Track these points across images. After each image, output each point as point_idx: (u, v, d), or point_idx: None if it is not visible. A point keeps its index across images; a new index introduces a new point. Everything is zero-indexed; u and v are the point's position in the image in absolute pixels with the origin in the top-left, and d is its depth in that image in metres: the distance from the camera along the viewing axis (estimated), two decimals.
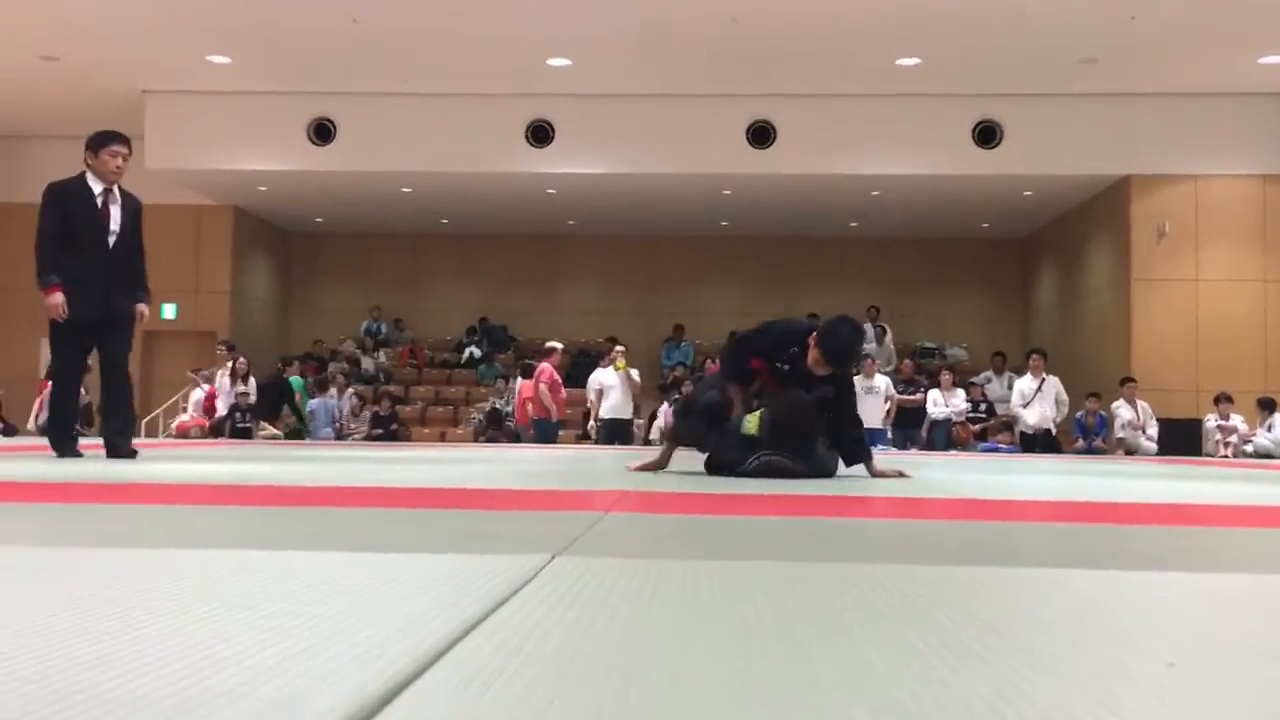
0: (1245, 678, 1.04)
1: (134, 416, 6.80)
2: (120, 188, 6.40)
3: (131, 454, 6.21)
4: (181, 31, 13.55)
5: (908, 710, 0.87)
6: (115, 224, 6.29)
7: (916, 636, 1.18)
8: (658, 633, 1.18)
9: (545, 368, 13.83)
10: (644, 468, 5.39)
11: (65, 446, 6.25)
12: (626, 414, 13.76)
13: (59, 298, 6.08)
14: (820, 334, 5.01)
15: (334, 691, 0.89)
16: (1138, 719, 0.87)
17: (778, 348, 5.13)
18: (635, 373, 13.92)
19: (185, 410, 15.90)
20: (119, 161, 6.31)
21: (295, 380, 15.69)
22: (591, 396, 14.08)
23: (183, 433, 15.18)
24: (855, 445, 5.17)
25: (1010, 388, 15.42)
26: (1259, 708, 0.92)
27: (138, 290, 6.42)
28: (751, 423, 4.88)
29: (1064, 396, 14.00)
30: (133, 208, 6.43)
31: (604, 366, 14.16)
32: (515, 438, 14.83)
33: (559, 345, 14.27)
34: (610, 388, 13.65)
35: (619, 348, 14.03)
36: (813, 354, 5.01)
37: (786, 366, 5.08)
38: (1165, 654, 1.13)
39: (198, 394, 15.61)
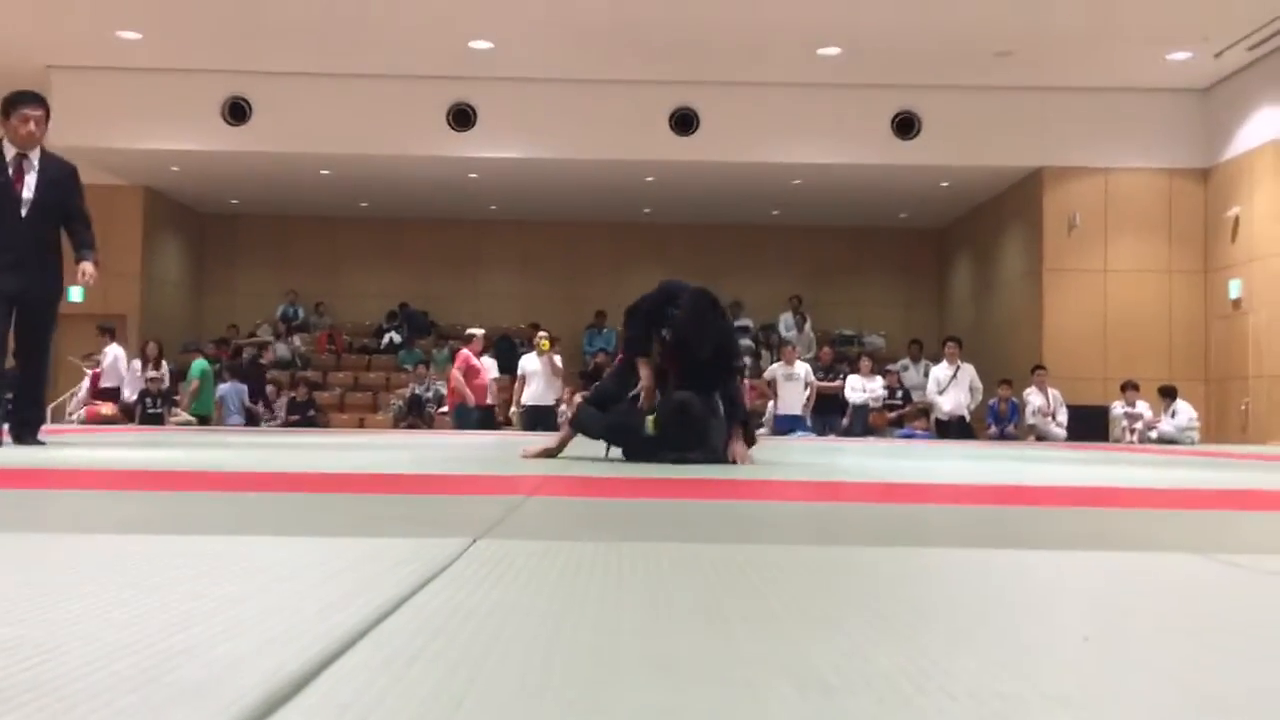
0: (1157, 650, 1.06)
1: (44, 405, 6.26)
2: (44, 152, 5.91)
3: (37, 444, 5.77)
4: (89, 5, 13.13)
5: (832, 684, 0.88)
6: (30, 192, 5.76)
7: (839, 614, 1.19)
8: (581, 612, 1.17)
9: (462, 354, 13.71)
10: (539, 453, 5.33)
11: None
12: (549, 400, 13.68)
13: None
14: (684, 310, 5.03)
15: (247, 675, 0.86)
16: (1056, 690, 0.88)
17: (668, 303, 5.13)
18: (558, 358, 13.86)
19: (75, 397, 15.39)
20: (31, 126, 5.78)
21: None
22: (516, 383, 13.98)
23: (92, 419, 14.75)
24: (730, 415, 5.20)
25: (926, 375, 15.67)
26: (1172, 677, 0.94)
27: (79, 249, 5.92)
28: (651, 424, 4.89)
29: (978, 384, 14.29)
30: (56, 175, 5.90)
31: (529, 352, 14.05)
32: (431, 424, 14.70)
33: (479, 331, 14.13)
34: (533, 374, 13.56)
35: (542, 333, 13.93)
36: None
37: (666, 332, 5.08)
38: (1080, 629, 1.16)
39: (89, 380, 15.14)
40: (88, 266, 5.91)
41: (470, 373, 13.46)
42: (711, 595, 1.30)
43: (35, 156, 5.87)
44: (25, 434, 5.82)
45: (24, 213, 5.78)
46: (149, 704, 0.78)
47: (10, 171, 5.80)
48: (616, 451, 5.14)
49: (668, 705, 0.81)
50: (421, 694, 0.82)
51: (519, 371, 13.76)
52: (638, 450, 4.98)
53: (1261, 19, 12.93)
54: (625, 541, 1.89)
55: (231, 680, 0.84)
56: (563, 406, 13.79)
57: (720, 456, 4.96)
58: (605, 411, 5.18)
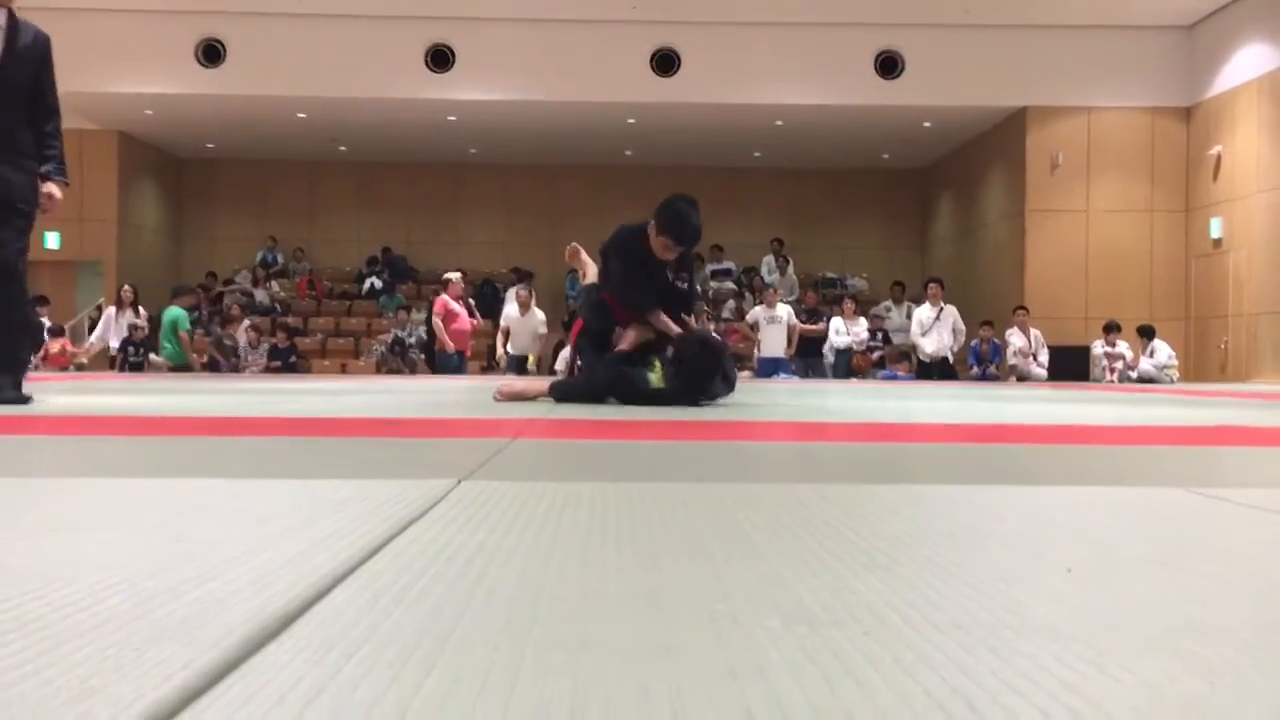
0: (1138, 580, 1.07)
1: (21, 346, 4.80)
2: (12, 14, 4.69)
3: (23, 399, 4.54)
4: None
5: (819, 618, 0.88)
6: None
7: (825, 550, 1.19)
8: (566, 551, 1.17)
9: (440, 299, 13.64)
10: (514, 395, 5.28)
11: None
12: (534, 350, 13.69)
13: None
14: (663, 219, 5.10)
15: (233, 612, 0.86)
16: (1040, 619, 0.89)
17: (637, 247, 5.16)
18: (540, 315, 13.77)
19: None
20: None
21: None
22: (500, 334, 13.95)
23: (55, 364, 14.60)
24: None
25: (909, 317, 15.70)
26: (1153, 605, 0.94)
27: (44, 161, 4.69)
28: (655, 376, 4.87)
29: (960, 325, 14.33)
30: (28, 43, 4.71)
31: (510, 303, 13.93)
32: (414, 369, 14.67)
33: (454, 276, 14.01)
34: (515, 324, 13.53)
35: (520, 291, 13.77)
36: (658, 240, 5.12)
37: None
38: (1062, 561, 1.16)
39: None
40: (53, 188, 4.67)
41: (449, 317, 13.41)
42: (696, 533, 1.31)
43: (2, 16, 4.67)
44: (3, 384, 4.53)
45: None
46: (133, 641, 0.77)
47: None
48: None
49: (654, 640, 0.81)
50: (408, 631, 0.82)
51: (501, 323, 13.70)
52: (639, 398, 4.97)
53: None
54: (610, 482, 1.89)
55: (216, 618, 0.84)
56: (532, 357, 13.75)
57: (718, 397, 5.00)
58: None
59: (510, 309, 13.69)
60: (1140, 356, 13.95)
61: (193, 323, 15.43)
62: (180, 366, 14.50)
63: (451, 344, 13.36)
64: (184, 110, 16.27)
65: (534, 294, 13.95)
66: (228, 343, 15.15)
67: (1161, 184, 15.72)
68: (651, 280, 5.17)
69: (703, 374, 4.77)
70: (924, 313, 14.44)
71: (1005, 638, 0.83)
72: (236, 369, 14.99)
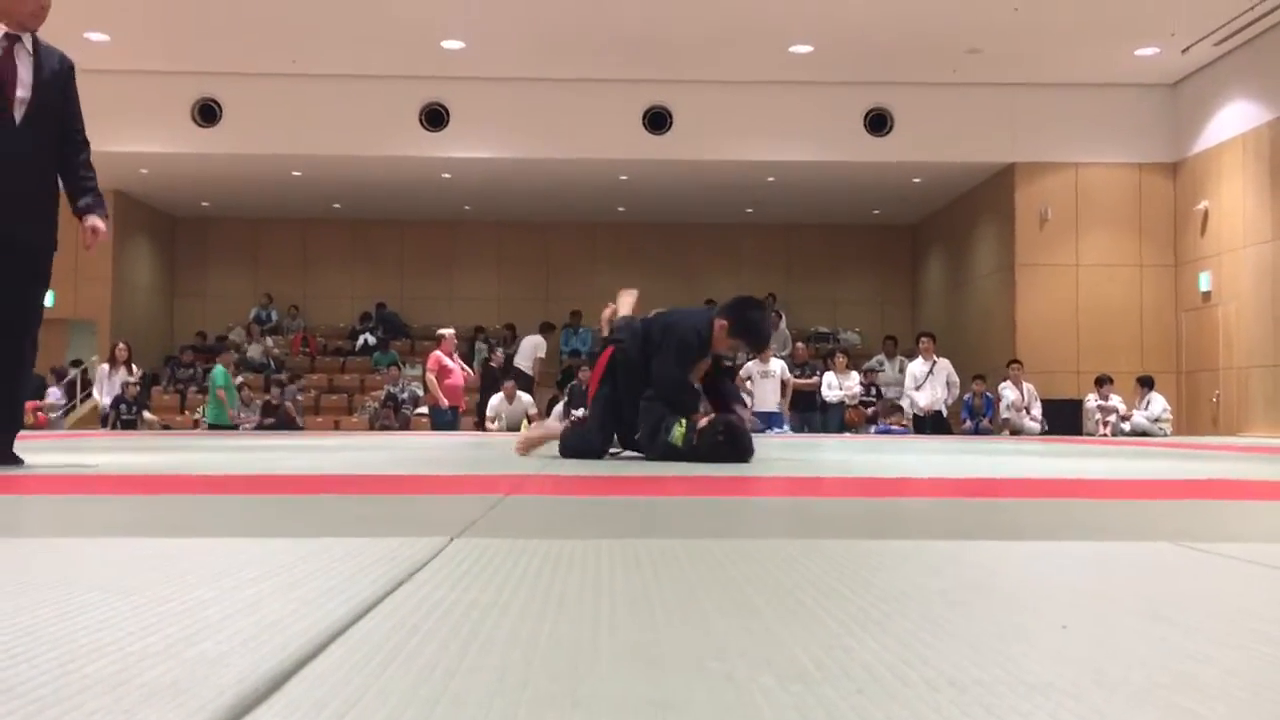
0: (1136, 636, 1.06)
1: (20, 404, 4.42)
2: (36, 39, 4.30)
3: (14, 460, 4.24)
4: (57, 6, 12.93)
5: (812, 676, 0.88)
6: (26, 90, 4.16)
7: (819, 607, 1.19)
8: (560, 608, 1.16)
9: (433, 355, 13.68)
10: (533, 444, 5.40)
11: None
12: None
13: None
14: (741, 326, 5.16)
15: (222, 675, 0.85)
16: (1037, 677, 0.88)
17: (699, 346, 5.18)
18: (528, 399, 14.17)
19: None
20: None
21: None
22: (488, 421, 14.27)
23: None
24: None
25: (902, 371, 15.74)
26: (1150, 663, 0.94)
27: (82, 194, 4.31)
28: (678, 434, 4.87)
29: (955, 378, 14.36)
30: (57, 68, 4.32)
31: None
32: (406, 425, 14.66)
33: (448, 331, 14.07)
34: (505, 413, 13.92)
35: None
36: (729, 341, 5.20)
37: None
38: (1059, 617, 1.16)
39: None
40: (97, 222, 4.28)
41: (442, 373, 13.42)
42: (690, 589, 1.30)
43: (28, 40, 4.25)
44: (5, 442, 4.26)
45: (17, 118, 4.14)
46: (122, 705, 0.77)
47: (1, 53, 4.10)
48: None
49: (649, 698, 0.81)
50: (399, 692, 0.81)
51: (488, 413, 14.06)
52: (651, 450, 5.01)
53: (1226, 15, 13.06)
54: (603, 538, 1.88)
55: (206, 681, 0.83)
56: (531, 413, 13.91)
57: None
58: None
59: (495, 400, 13.90)
60: (1134, 409, 13.97)
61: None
62: (219, 425, 14.31)
63: (444, 399, 13.36)
64: (180, 169, 16.38)
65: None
66: (404, 405, 15.15)
67: (1150, 239, 15.85)
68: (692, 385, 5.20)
69: (720, 457, 4.77)
70: (917, 367, 14.47)
71: (1001, 695, 0.82)
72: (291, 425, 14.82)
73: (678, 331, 5.16)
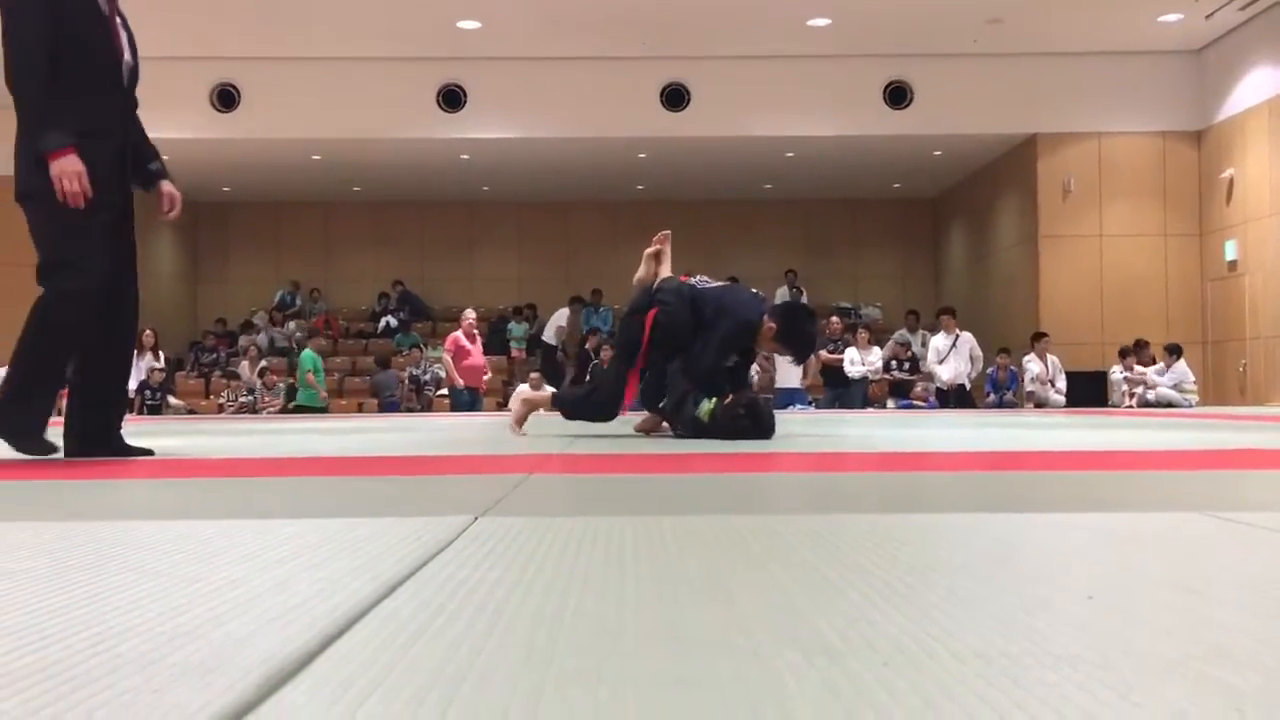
0: (1161, 606, 1.06)
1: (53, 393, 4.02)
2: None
3: (145, 450, 3.92)
4: None
5: (837, 649, 0.87)
6: (127, 51, 3.92)
7: (843, 581, 1.19)
8: (585, 585, 1.17)
9: (451, 336, 13.72)
10: (522, 418, 5.44)
11: (34, 438, 3.71)
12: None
13: (75, 164, 3.54)
14: (791, 335, 5.14)
15: (250, 654, 0.86)
16: (1063, 648, 0.88)
17: (744, 341, 5.16)
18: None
19: None
20: None
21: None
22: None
23: None
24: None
25: (924, 345, 15.67)
26: (1179, 634, 0.93)
27: (151, 159, 4.11)
28: (705, 410, 4.85)
29: (978, 352, 14.29)
30: (129, 30, 4.04)
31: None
32: (429, 407, 14.72)
33: (468, 312, 14.07)
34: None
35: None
36: (774, 344, 5.21)
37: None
38: (1083, 589, 1.15)
39: None
40: (173, 190, 4.16)
41: (459, 354, 13.47)
42: (714, 565, 1.30)
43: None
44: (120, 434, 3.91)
45: (125, 80, 3.90)
46: (152, 685, 0.77)
47: (106, 11, 3.82)
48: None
49: (674, 674, 0.81)
50: (425, 669, 0.82)
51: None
52: (678, 424, 5.02)
53: None
54: (627, 516, 1.88)
55: (234, 660, 0.84)
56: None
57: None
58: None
59: (521, 388, 13.83)
60: (1156, 376, 13.85)
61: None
62: (309, 408, 14.38)
63: (461, 380, 13.41)
64: (200, 155, 16.42)
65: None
66: (426, 386, 15.19)
67: (1174, 208, 15.68)
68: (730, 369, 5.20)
69: (742, 434, 4.76)
70: (939, 341, 14.42)
71: (1027, 667, 0.82)
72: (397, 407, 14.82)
73: (727, 319, 5.07)
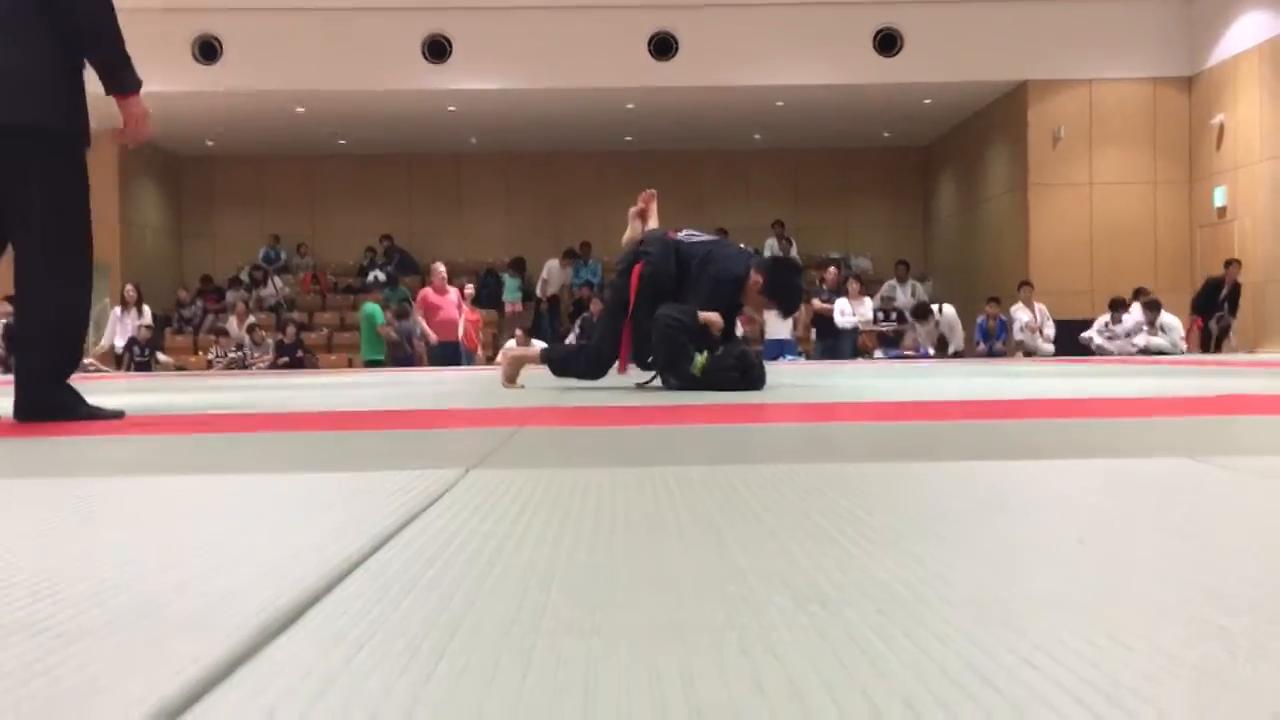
0: (1151, 551, 1.06)
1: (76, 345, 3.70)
2: None
3: (115, 412, 3.56)
4: None
5: (830, 596, 0.88)
6: None
7: (835, 529, 1.19)
8: (577, 536, 1.17)
9: (422, 292, 13.69)
10: (512, 373, 5.39)
11: (79, 400, 3.47)
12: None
13: (143, 105, 3.48)
14: (779, 291, 5.12)
15: (243, 606, 0.85)
16: (1054, 592, 0.88)
17: (732, 294, 5.11)
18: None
19: None
20: None
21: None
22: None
23: None
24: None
25: (914, 295, 15.77)
26: (1167, 576, 0.94)
27: (106, 71, 3.63)
28: (698, 364, 4.84)
29: (958, 329, 14.48)
30: None
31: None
32: (420, 361, 14.70)
33: (438, 266, 13.98)
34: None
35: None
36: (760, 298, 5.15)
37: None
38: (1075, 533, 1.16)
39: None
40: (131, 105, 3.58)
41: (430, 310, 13.46)
42: (706, 515, 1.30)
43: None
44: (47, 395, 3.43)
45: None
46: (145, 638, 0.77)
47: None
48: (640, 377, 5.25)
49: (667, 621, 0.81)
50: (418, 620, 0.82)
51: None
52: (673, 376, 4.99)
53: None
54: (618, 467, 1.88)
55: (227, 612, 0.84)
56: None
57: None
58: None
59: (509, 343, 13.79)
60: (1146, 332, 13.88)
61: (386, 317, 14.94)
62: (375, 362, 14.29)
63: (434, 335, 13.43)
64: (182, 108, 16.24)
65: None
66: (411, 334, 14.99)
67: (1164, 155, 15.65)
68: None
69: (732, 385, 4.76)
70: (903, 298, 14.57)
71: (1019, 611, 0.82)
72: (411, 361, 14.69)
73: (713, 269, 5.04)
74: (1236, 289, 13.63)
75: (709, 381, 4.77)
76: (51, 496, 1.62)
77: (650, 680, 0.67)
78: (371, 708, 0.63)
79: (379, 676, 0.68)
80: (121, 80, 3.52)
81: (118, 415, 3.53)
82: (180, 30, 15.04)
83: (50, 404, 3.42)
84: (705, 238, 5.39)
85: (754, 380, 4.85)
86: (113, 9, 3.51)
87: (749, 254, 5.45)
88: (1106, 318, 14.05)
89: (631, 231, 5.46)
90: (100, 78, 3.52)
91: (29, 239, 3.49)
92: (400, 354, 14.57)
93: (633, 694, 0.65)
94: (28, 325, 3.51)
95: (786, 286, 5.20)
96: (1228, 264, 13.66)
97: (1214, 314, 13.61)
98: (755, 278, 5.08)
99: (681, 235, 5.29)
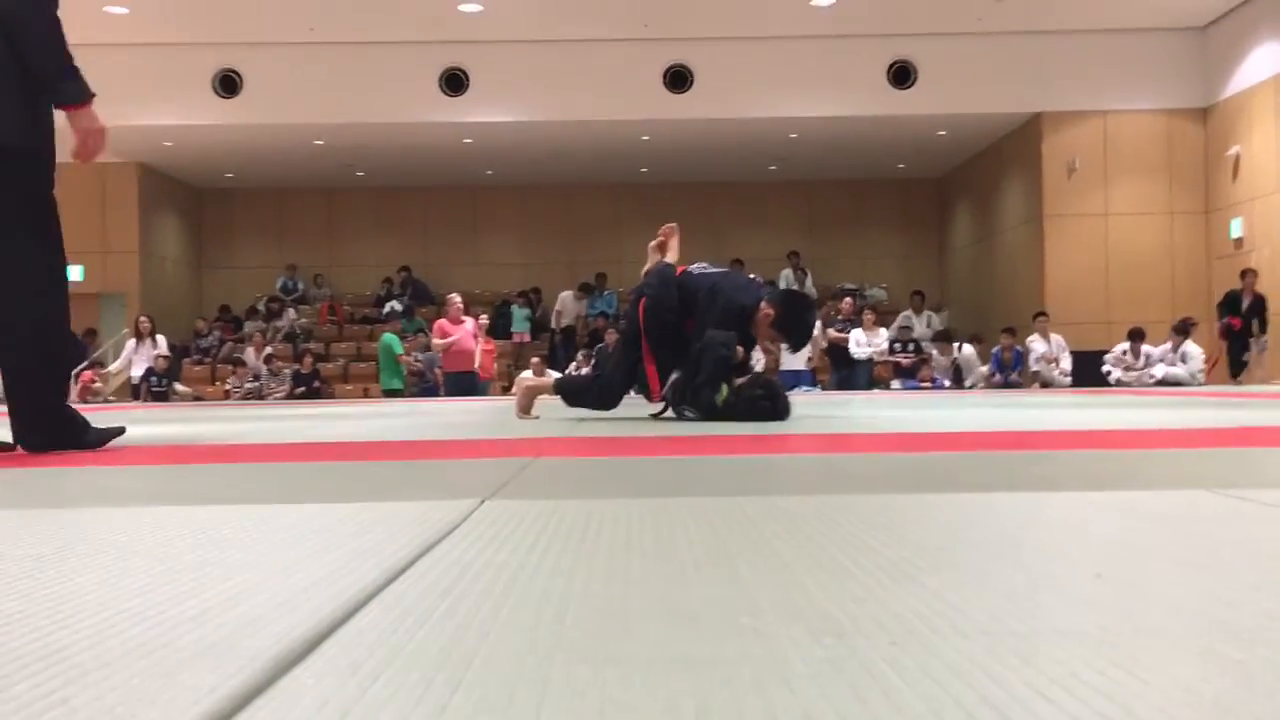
0: (1168, 583, 1.06)
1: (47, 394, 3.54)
2: None
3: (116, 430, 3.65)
4: None
5: (845, 628, 0.87)
6: None
7: (850, 561, 1.19)
8: (591, 568, 1.17)
9: (439, 323, 13.76)
10: (526, 405, 5.43)
11: (86, 427, 3.49)
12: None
13: (98, 118, 3.40)
14: (788, 323, 5.11)
15: (259, 637, 0.86)
16: (1071, 625, 0.88)
17: (740, 326, 5.10)
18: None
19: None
20: None
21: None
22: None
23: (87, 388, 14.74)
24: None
25: (929, 326, 15.77)
26: (1184, 609, 0.93)
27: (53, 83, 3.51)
28: (722, 396, 4.83)
29: (976, 365, 14.47)
30: None
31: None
32: (436, 391, 14.76)
33: (454, 297, 14.06)
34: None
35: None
36: (770, 331, 5.13)
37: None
38: (1092, 566, 1.15)
39: None
40: (81, 118, 3.45)
41: (445, 339, 13.55)
42: (721, 546, 1.30)
43: None
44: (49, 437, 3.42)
45: None
46: (161, 668, 0.78)
47: None
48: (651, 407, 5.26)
49: (682, 654, 0.81)
50: (433, 652, 0.82)
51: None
52: (693, 406, 4.98)
53: None
54: (633, 498, 1.88)
55: (243, 643, 0.84)
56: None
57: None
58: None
59: (525, 374, 13.86)
60: (1166, 359, 13.81)
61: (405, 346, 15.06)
62: (393, 391, 14.39)
63: (444, 366, 13.60)
64: (203, 141, 16.42)
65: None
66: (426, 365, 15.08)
67: (1180, 186, 15.62)
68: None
69: (761, 415, 4.75)
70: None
71: (1035, 644, 0.82)
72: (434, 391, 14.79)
73: (721, 300, 5.03)
74: (1262, 302, 13.40)
75: (734, 412, 4.76)
76: (68, 526, 1.63)
77: (665, 712, 0.67)
78: None
79: (394, 708, 0.69)
80: (65, 91, 3.42)
81: (119, 432, 3.52)
82: (201, 64, 15.21)
83: (53, 428, 3.40)
84: (715, 270, 5.41)
85: (781, 409, 4.85)
86: (56, 21, 3.42)
87: (759, 285, 5.45)
88: (1125, 346, 13.99)
89: (651, 264, 5.48)
90: (46, 89, 3.44)
91: None
92: (424, 384, 14.65)
93: None
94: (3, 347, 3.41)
95: (798, 321, 5.20)
96: (1244, 274, 13.51)
97: (1244, 338, 13.41)
98: (766, 310, 5.08)
99: (693, 268, 5.32)
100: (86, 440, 3.45)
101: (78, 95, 3.42)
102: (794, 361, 13.98)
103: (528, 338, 18.36)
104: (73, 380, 15.17)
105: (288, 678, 0.75)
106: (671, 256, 5.43)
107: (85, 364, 15.15)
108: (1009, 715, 0.65)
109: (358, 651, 0.82)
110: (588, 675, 0.75)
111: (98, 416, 3.72)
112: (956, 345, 14.84)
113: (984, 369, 14.52)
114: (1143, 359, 13.82)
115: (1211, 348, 13.96)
